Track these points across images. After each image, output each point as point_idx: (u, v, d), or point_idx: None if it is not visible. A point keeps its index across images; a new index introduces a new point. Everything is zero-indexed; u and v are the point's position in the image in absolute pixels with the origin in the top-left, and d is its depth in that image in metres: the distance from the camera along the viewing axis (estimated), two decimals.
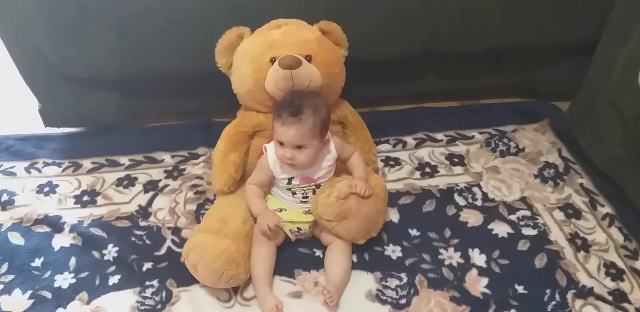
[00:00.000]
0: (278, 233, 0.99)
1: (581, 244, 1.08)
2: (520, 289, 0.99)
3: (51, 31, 1.05)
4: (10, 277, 0.99)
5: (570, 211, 1.15)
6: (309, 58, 0.98)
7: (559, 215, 1.14)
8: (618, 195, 1.16)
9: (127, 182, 1.18)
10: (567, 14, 1.18)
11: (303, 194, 1.00)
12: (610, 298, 0.98)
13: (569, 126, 1.28)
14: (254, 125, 1.04)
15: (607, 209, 1.15)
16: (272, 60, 0.97)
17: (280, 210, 1.01)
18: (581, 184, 1.21)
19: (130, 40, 1.07)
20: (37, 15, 1.02)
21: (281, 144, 0.93)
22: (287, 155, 0.92)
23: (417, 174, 1.23)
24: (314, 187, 1.00)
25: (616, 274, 1.02)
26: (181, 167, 1.22)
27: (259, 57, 0.98)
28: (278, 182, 1.00)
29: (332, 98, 1.07)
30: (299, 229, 1.02)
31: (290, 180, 0.99)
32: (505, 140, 1.32)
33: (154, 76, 1.16)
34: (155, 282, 0.98)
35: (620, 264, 1.04)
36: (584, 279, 1.00)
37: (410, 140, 1.31)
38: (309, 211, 1.01)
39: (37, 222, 1.08)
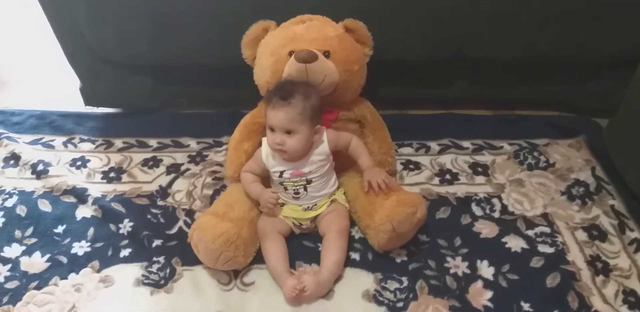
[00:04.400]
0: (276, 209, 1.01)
1: (601, 267, 1.01)
2: (526, 306, 0.94)
3: (91, 16, 1.12)
4: (34, 240, 1.06)
5: (595, 233, 1.08)
6: (327, 54, 0.98)
7: (582, 235, 1.08)
8: None
9: (152, 163, 1.24)
10: (607, 27, 1.12)
11: (294, 190, 1.01)
12: None
13: (606, 144, 1.22)
14: None
15: (636, 234, 1.08)
16: (291, 54, 0.98)
17: (283, 204, 1.03)
18: (612, 206, 1.14)
19: (164, 28, 1.12)
20: (78, 0, 1.10)
21: (272, 129, 0.95)
22: (277, 140, 0.94)
23: (436, 180, 1.20)
24: (305, 182, 1.00)
25: (635, 302, 0.96)
26: (204, 153, 1.26)
27: (279, 49, 1.00)
28: (271, 175, 1.02)
29: (350, 96, 1.07)
30: (300, 223, 1.03)
31: (281, 173, 1.00)
32: (535, 153, 1.27)
33: (186, 65, 1.22)
34: (161, 259, 1.02)
35: None
36: (597, 304, 0.95)
37: (434, 145, 1.29)
38: (308, 207, 1.02)
39: (66, 192, 1.15)
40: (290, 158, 0.98)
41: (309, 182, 1.00)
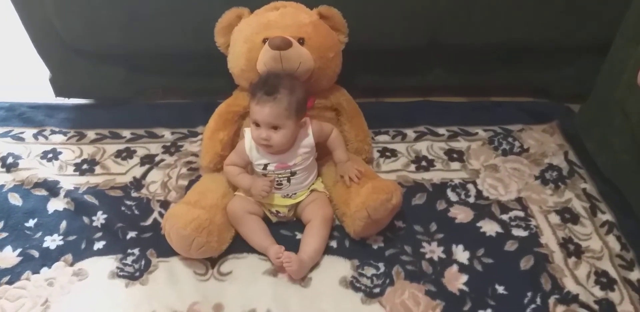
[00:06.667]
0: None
1: (573, 249, 1.04)
2: (500, 289, 0.96)
3: (61, 4, 1.09)
4: (4, 234, 1.04)
5: (568, 215, 1.10)
6: (301, 41, 0.97)
7: (555, 218, 1.10)
8: (621, 203, 1.10)
9: (125, 154, 1.22)
10: (580, 12, 1.14)
11: (277, 181, 1.00)
12: (596, 307, 0.94)
13: (578, 129, 1.24)
14: (245, 106, 1.04)
15: (607, 217, 1.10)
16: (265, 41, 0.97)
17: None
18: (584, 189, 1.16)
19: (135, 16, 1.10)
20: None
21: (257, 124, 0.93)
22: (262, 135, 0.92)
23: (412, 167, 1.21)
24: (289, 174, 0.99)
25: (607, 283, 0.98)
26: (179, 143, 1.25)
27: (253, 37, 0.98)
28: (254, 167, 1.01)
29: (325, 83, 1.06)
30: (277, 211, 1.03)
31: (265, 166, 0.99)
32: (509, 139, 1.28)
33: (159, 54, 1.20)
34: (136, 251, 1.00)
35: (613, 273, 1.00)
36: (570, 285, 0.97)
37: (410, 132, 1.29)
38: (287, 195, 1.02)
39: (37, 185, 1.13)
40: (275, 152, 0.97)
41: (293, 174, 1.00)
